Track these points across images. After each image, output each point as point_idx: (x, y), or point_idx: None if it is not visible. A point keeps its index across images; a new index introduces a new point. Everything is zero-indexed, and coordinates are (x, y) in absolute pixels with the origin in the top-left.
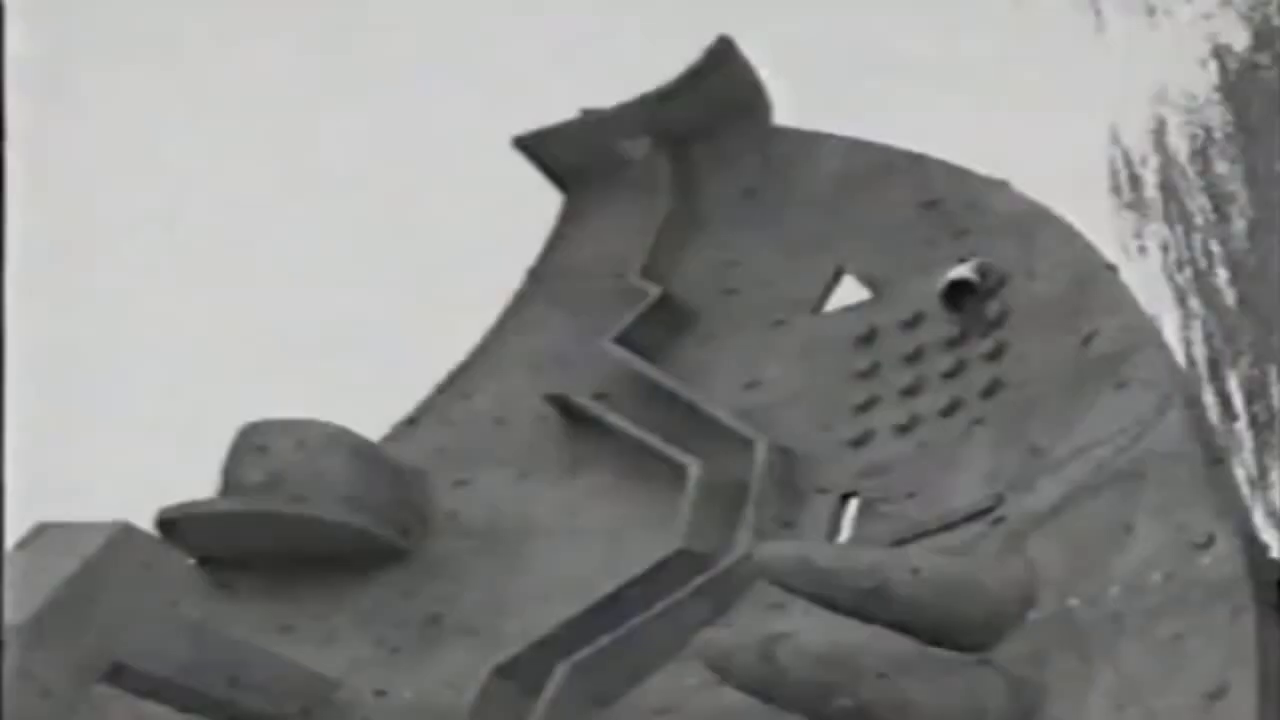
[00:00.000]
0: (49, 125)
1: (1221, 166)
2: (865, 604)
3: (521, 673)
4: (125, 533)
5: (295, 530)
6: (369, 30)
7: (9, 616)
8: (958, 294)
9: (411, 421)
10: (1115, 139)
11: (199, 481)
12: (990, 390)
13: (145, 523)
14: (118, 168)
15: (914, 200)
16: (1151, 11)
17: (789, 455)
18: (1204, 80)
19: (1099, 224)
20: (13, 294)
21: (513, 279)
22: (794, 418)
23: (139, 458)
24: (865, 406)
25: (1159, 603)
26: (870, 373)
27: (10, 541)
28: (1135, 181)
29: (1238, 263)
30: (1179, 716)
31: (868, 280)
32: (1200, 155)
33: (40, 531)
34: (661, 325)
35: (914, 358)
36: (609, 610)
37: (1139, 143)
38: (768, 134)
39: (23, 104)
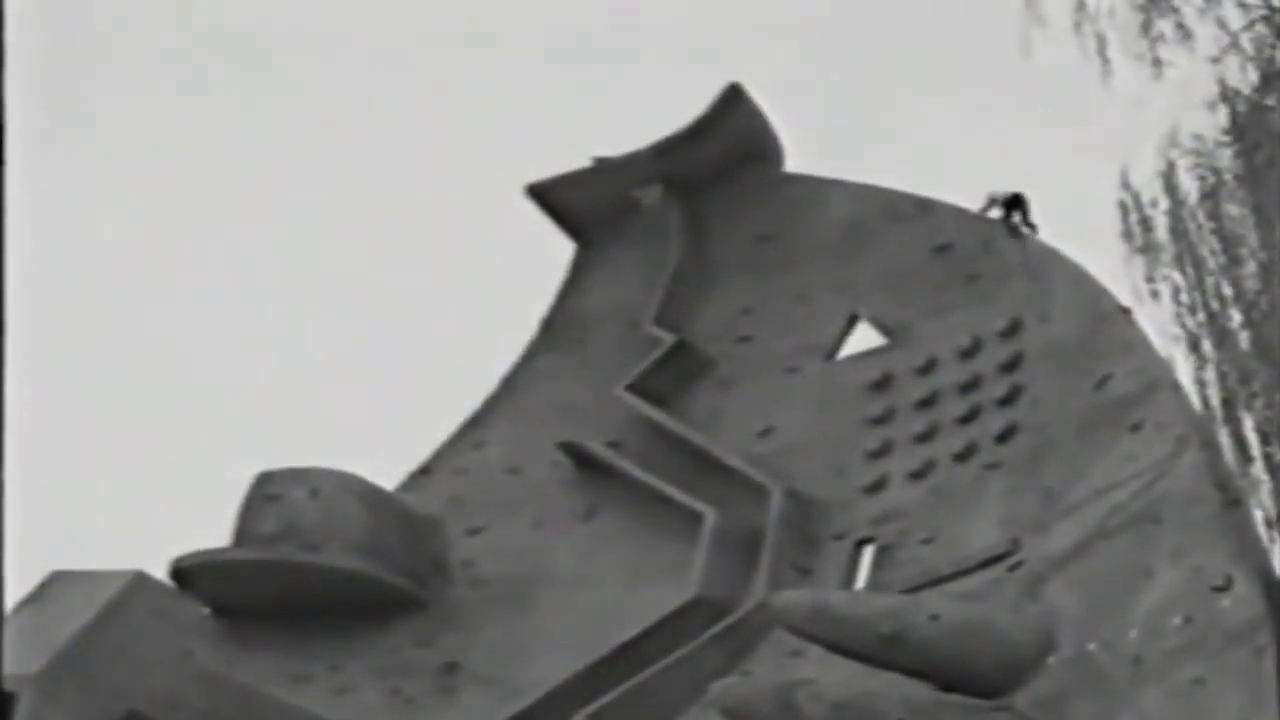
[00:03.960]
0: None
1: (1231, 209)
2: (882, 650)
3: None
4: (139, 581)
5: (309, 579)
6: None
7: (23, 666)
8: (1012, 210)
9: (425, 470)
10: (1125, 183)
11: (213, 530)
12: (1005, 435)
13: (159, 571)
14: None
15: (926, 245)
16: (1158, 58)
17: (804, 502)
18: (1212, 123)
19: (1111, 268)
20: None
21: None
22: (808, 464)
23: (152, 505)
24: (880, 452)
25: (1178, 646)
26: (884, 419)
27: (21, 588)
28: (1146, 224)
29: (1250, 305)
30: None
31: (882, 326)
32: (1210, 198)
33: (53, 579)
34: (675, 373)
35: (928, 403)
36: (624, 659)
37: (1149, 186)
38: (779, 180)
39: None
